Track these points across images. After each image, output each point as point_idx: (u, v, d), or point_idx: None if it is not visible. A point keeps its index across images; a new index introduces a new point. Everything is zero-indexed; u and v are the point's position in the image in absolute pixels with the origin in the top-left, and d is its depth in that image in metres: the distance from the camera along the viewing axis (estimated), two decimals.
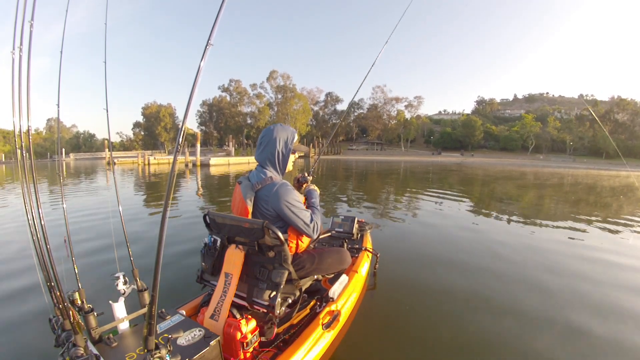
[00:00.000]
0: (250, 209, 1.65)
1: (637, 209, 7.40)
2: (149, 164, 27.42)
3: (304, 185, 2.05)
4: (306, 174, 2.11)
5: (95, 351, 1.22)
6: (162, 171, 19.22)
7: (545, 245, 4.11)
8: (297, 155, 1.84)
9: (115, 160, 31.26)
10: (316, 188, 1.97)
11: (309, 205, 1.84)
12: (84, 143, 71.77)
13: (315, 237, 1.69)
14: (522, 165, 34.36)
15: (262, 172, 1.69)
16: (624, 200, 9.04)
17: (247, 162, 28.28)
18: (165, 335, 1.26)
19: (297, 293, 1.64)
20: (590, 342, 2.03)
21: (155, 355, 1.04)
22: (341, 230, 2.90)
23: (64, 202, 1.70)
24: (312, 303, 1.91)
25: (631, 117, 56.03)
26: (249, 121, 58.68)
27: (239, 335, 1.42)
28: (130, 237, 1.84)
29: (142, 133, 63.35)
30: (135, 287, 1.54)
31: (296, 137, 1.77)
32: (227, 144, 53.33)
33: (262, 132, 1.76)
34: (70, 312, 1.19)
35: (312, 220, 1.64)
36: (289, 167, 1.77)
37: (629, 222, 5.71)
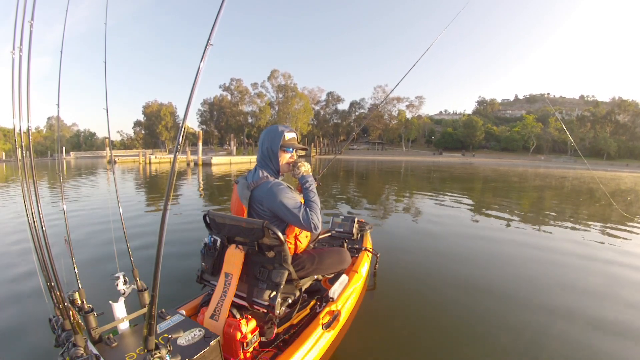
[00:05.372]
0: (246, 208, 1.65)
1: None
2: (150, 162, 27.44)
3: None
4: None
5: (95, 351, 1.22)
6: (163, 170, 19.22)
7: (552, 245, 4.11)
8: (294, 153, 1.78)
9: (116, 159, 31.26)
10: (309, 171, 1.81)
11: (304, 195, 1.74)
12: (85, 142, 71.87)
13: (315, 232, 1.66)
14: (523, 165, 34.33)
15: (258, 172, 1.70)
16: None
17: (248, 162, 28.28)
18: (165, 335, 1.25)
19: (297, 293, 1.64)
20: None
21: (155, 355, 1.04)
22: (341, 230, 2.90)
23: (64, 202, 1.70)
24: (312, 303, 1.91)
25: (632, 118, 55.92)
26: (250, 120, 58.63)
27: (239, 335, 1.42)
28: (130, 237, 1.84)
29: (143, 132, 63.35)
30: (135, 287, 1.53)
31: (289, 136, 1.73)
32: (228, 143, 53.31)
33: None
34: (70, 312, 1.19)
35: (308, 216, 1.58)
36: (282, 163, 1.73)
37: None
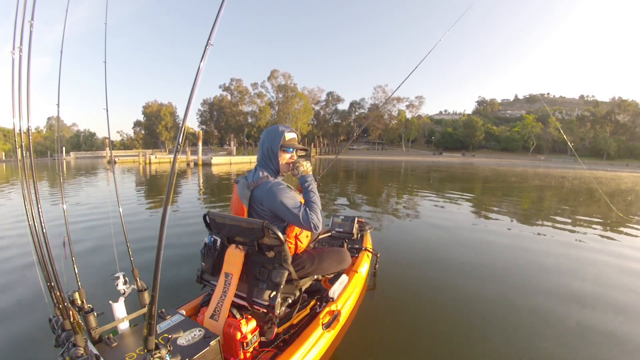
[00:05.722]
0: (246, 208, 1.65)
1: None
2: (150, 162, 27.43)
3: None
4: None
5: (95, 351, 1.22)
6: (163, 170, 19.21)
7: (552, 246, 4.11)
8: (294, 153, 1.78)
9: (116, 159, 31.24)
10: (309, 171, 1.79)
11: (304, 195, 1.73)
12: (85, 142, 71.94)
13: (316, 232, 1.65)
14: (523, 165, 34.34)
15: (258, 172, 1.70)
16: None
17: (248, 162, 28.27)
18: (165, 335, 1.25)
19: (297, 293, 1.64)
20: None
21: (155, 355, 1.04)
22: (341, 230, 2.90)
23: (64, 201, 1.70)
24: (312, 303, 1.91)
25: (632, 118, 55.94)
26: (249, 120, 58.64)
27: (239, 335, 1.42)
28: (130, 237, 1.83)
29: (143, 132, 63.36)
30: (135, 287, 1.53)
31: (289, 136, 1.73)
32: (227, 143, 53.33)
33: None
34: (70, 312, 1.19)
35: (308, 216, 1.57)
36: (282, 163, 1.73)
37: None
